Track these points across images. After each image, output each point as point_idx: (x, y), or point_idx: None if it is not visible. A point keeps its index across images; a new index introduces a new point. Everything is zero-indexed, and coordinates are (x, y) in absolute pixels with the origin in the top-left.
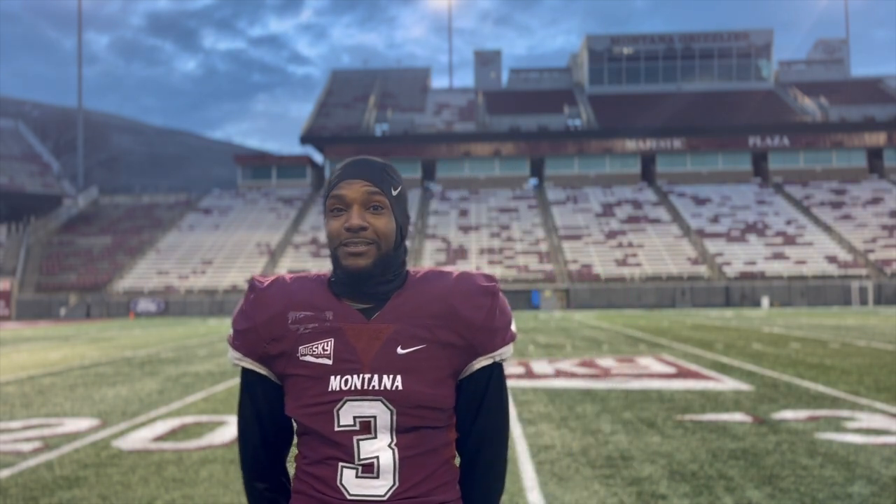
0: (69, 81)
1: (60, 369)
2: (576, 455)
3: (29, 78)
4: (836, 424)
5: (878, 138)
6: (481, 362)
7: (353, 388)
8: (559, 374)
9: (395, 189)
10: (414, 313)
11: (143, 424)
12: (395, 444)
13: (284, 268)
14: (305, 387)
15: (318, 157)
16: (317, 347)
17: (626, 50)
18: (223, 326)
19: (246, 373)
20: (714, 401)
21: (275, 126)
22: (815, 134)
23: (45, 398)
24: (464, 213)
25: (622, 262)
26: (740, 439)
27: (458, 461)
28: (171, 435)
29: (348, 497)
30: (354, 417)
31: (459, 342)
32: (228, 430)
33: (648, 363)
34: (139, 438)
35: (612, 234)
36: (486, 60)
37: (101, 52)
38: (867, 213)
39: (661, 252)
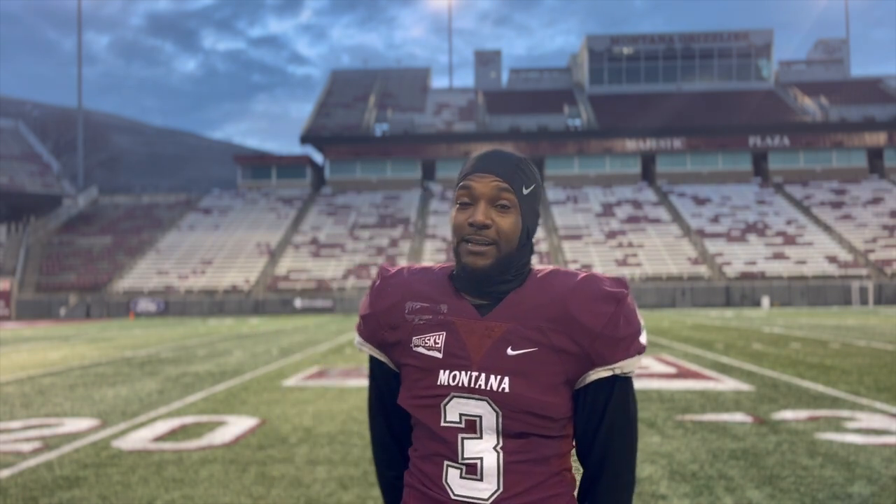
0: (69, 81)
1: (60, 369)
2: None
3: (29, 78)
4: (836, 424)
5: (878, 138)
6: (598, 373)
7: (460, 384)
8: None
9: (526, 187)
10: (529, 314)
11: (143, 424)
12: (502, 448)
13: (284, 268)
14: (417, 378)
15: (317, 157)
16: (429, 339)
17: (626, 50)
18: (223, 326)
19: (371, 360)
20: (714, 401)
21: (274, 126)
22: (815, 134)
23: (45, 398)
24: None
25: (622, 262)
26: (740, 439)
27: (578, 474)
28: (171, 435)
29: (452, 497)
30: (460, 415)
31: (574, 349)
32: (228, 429)
33: (648, 363)
34: (139, 438)
35: (612, 234)
36: (486, 60)
37: (101, 53)
38: (867, 213)
39: (661, 252)
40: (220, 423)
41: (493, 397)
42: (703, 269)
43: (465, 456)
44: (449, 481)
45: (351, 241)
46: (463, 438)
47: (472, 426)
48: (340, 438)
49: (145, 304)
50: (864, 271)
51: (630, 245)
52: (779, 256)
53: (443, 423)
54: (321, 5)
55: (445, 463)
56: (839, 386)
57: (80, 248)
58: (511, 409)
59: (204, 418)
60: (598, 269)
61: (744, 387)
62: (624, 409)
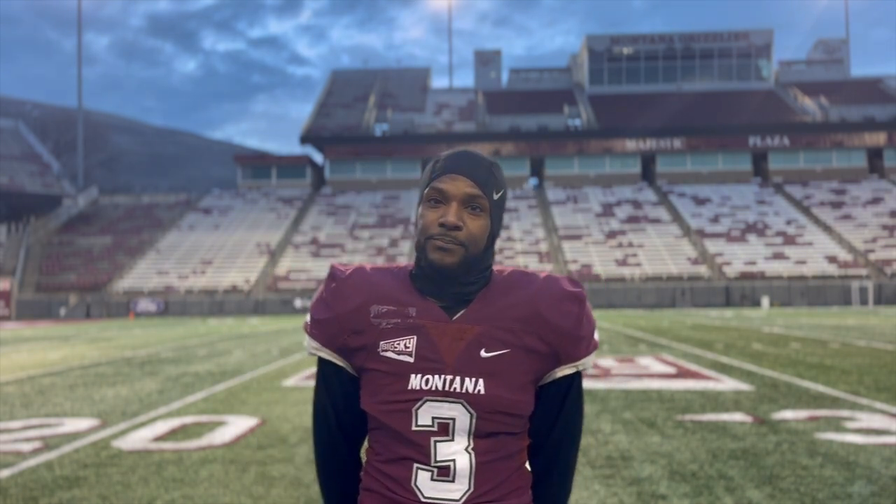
0: (69, 82)
1: (60, 369)
2: None
3: (29, 78)
4: (836, 424)
5: (878, 138)
6: (564, 370)
7: (433, 388)
8: None
9: (496, 192)
10: (499, 316)
11: (143, 424)
12: (473, 448)
13: (284, 268)
14: (384, 383)
15: (317, 157)
16: (398, 344)
17: (626, 50)
18: (223, 326)
19: (323, 363)
20: (714, 401)
21: (274, 126)
22: (815, 134)
23: (45, 398)
24: None
25: (622, 262)
26: (740, 439)
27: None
28: (171, 435)
29: (422, 499)
30: (433, 418)
31: (544, 349)
32: (228, 430)
33: (648, 363)
34: (139, 438)
35: (612, 234)
36: (486, 60)
37: (101, 53)
38: (867, 213)
39: (661, 252)
40: (220, 423)
41: (468, 399)
42: (702, 269)
43: (438, 459)
44: (419, 484)
45: (351, 241)
46: (435, 441)
47: (444, 429)
48: None
49: (145, 304)
50: (863, 271)
51: (630, 245)
52: (779, 256)
53: (414, 427)
54: (321, 6)
55: (415, 466)
56: (839, 386)
57: (80, 248)
58: (485, 411)
59: (204, 418)
60: (598, 269)
61: (743, 387)
62: (578, 402)
